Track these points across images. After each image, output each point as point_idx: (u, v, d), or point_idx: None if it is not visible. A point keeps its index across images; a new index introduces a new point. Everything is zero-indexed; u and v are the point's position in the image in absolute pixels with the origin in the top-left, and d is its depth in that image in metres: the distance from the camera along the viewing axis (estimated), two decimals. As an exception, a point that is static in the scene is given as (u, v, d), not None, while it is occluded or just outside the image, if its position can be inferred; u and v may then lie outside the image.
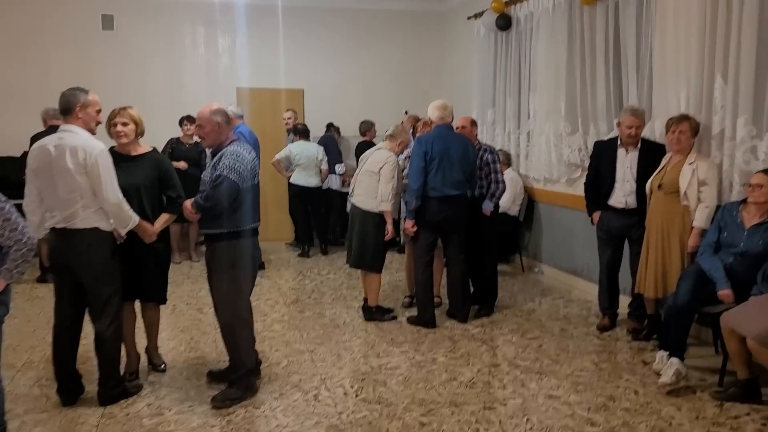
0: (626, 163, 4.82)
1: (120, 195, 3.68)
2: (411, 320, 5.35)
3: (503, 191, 5.49)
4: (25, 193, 3.75)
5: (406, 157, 5.63)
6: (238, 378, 3.89)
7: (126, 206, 3.70)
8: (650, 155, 4.74)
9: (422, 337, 4.99)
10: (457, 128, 5.45)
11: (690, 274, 3.94)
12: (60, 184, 3.60)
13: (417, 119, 8.20)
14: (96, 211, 3.65)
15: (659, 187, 4.46)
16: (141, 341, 4.36)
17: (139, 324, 4.27)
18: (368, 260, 5.37)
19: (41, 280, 6.94)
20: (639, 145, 4.80)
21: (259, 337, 5.01)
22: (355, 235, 5.40)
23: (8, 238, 3.02)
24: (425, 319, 5.24)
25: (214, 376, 4.17)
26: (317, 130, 8.87)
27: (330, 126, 9.00)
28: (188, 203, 3.83)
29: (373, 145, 6.78)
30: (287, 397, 3.91)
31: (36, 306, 6.07)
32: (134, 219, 3.75)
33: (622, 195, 4.83)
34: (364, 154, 5.61)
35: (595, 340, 4.82)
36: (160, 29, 8.91)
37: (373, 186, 5.32)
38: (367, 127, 8.82)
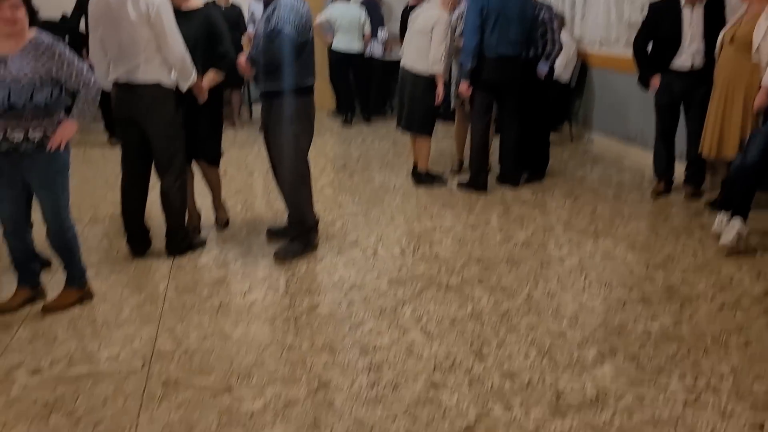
0: (692, 21, 4.59)
1: (184, 47, 3.63)
2: (462, 185, 5.37)
3: (560, 51, 5.30)
4: (89, 43, 3.73)
5: (459, 17, 5.41)
6: (299, 234, 3.99)
7: (189, 59, 3.66)
8: (717, 10, 4.51)
9: (474, 202, 5.02)
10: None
11: (761, 134, 3.83)
12: (123, 35, 3.55)
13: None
14: (158, 64, 3.62)
15: (731, 40, 4.25)
16: (199, 201, 4.47)
17: (198, 185, 4.36)
18: (418, 123, 5.32)
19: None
20: (705, 1, 4.55)
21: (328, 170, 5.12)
22: (405, 98, 5.32)
23: (75, 83, 3.02)
24: (477, 184, 5.25)
25: (273, 234, 4.29)
26: None
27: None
28: (243, 58, 3.77)
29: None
30: (346, 253, 4.02)
31: (92, 168, 6.21)
32: (194, 75, 3.73)
33: (689, 55, 4.63)
34: (413, 13, 5.40)
35: (650, 204, 4.80)
36: None
37: (425, 47, 5.16)
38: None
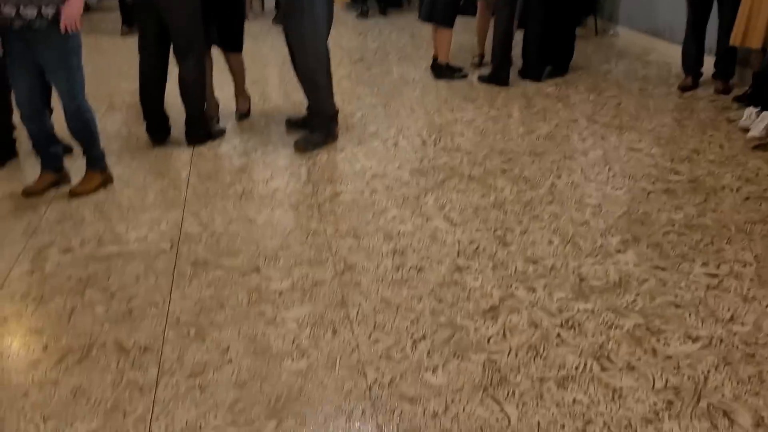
0: None
1: None
2: (483, 78, 5.25)
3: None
4: None
5: None
6: (319, 124, 3.95)
7: None
8: None
9: (495, 95, 4.92)
10: None
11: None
12: None
13: None
14: None
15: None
16: (218, 91, 4.41)
17: (217, 75, 4.29)
18: (440, 13, 5.14)
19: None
20: None
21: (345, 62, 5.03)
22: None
23: None
24: (499, 78, 5.13)
25: (291, 124, 4.25)
26: None
27: None
28: None
29: None
30: (367, 143, 3.99)
31: (104, 58, 6.11)
32: None
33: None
34: None
35: (677, 99, 4.68)
36: None
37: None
38: None
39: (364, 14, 8.01)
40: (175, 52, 3.79)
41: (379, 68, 5.74)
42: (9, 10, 2.89)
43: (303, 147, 3.88)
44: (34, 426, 1.84)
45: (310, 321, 2.27)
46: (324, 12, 3.73)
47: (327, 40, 3.84)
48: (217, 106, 4.41)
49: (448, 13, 5.16)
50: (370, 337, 2.18)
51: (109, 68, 5.71)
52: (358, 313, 2.32)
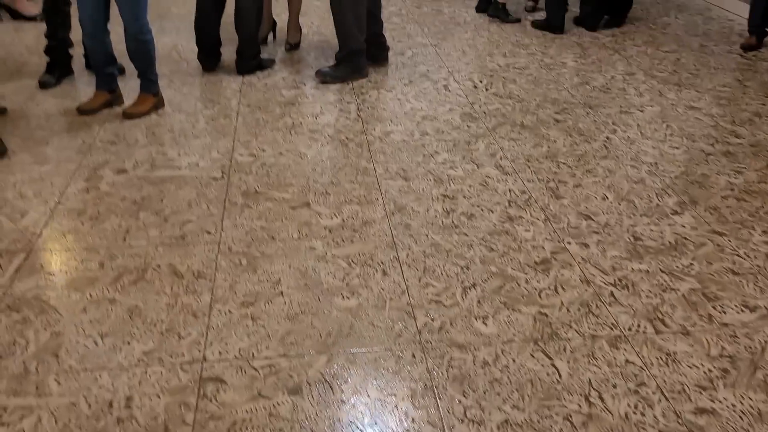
0: None
1: None
2: (536, 24, 5.08)
3: None
4: None
5: None
6: (343, 57, 3.87)
7: None
8: None
9: (549, 42, 4.77)
10: None
11: None
12: None
13: None
14: None
15: None
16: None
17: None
18: None
19: None
20: None
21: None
22: None
23: None
24: (553, 24, 4.96)
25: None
26: None
27: None
28: None
29: None
30: (417, 84, 3.91)
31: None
32: None
33: None
34: None
35: (739, 58, 4.50)
36: None
37: None
38: None
39: None
40: None
41: (429, 6, 5.59)
42: None
43: (323, 77, 3.83)
44: (92, 341, 1.89)
45: (360, 260, 2.28)
46: None
47: None
48: (274, 24, 4.40)
49: None
50: (420, 280, 2.19)
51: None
52: (407, 255, 2.32)
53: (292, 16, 4.35)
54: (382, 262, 2.28)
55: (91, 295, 2.06)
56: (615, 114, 3.58)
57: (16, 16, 4.61)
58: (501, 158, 3.06)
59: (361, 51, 3.89)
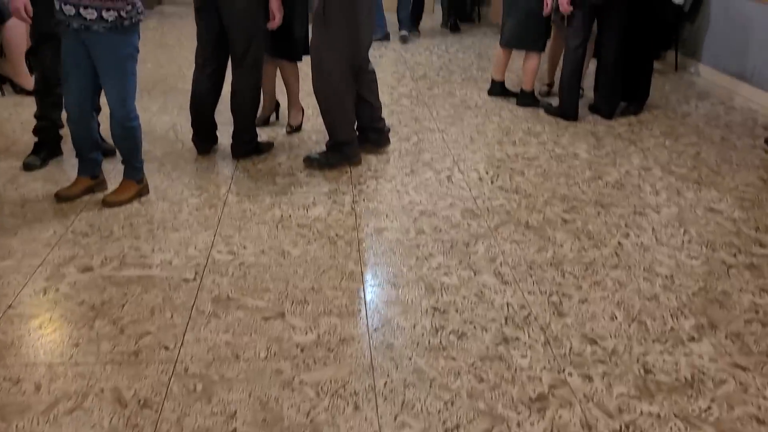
0: None
1: None
2: (549, 110, 4.92)
3: (684, -30, 4.64)
4: None
5: None
6: (332, 145, 3.72)
7: None
8: None
9: (562, 130, 4.59)
10: None
11: None
12: None
13: None
14: None
15: None
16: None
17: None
18: (532, 38, 4.86)
19: None
20: None
21: (387, 110, 4.78)
22: (514, 12, 4.84)
23: None
24: (567, 110, 4.79)
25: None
26: None
27: None
28: None
29: None
30: (419, 174, 3.72)
31: (167, 53, 6.02)
32: None
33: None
34: None
35: (763, 153, 4.26)
36: None
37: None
38: None
39: (455, 28, 7.82)
40: (232, 59, 3.60)
41: (441, 88, 5.47)
42: (69, 9, 2.76)
43: (309, 163, 3.68)
44: (11, 485, 1.63)
45: (331, 389, 2.02)
46: (344, 23, 3.44)
47: (350, 57, 3.56)
48: (277, 105, 4.32)
49: (540, 37, 4.87)
50: (395, 418, 1.91)
51: (170, 64, 5.62)
52: (385, 384, 2.05)
53: (291, 96, 4.23)
54: (355, 392, 2.01)
55: (17, 428, 1.82)
56: (628, 215, 3.33)
57: (19, 90, 4.55)
58: (501, 264, 2.81)
59: (349, 141, 3.72)
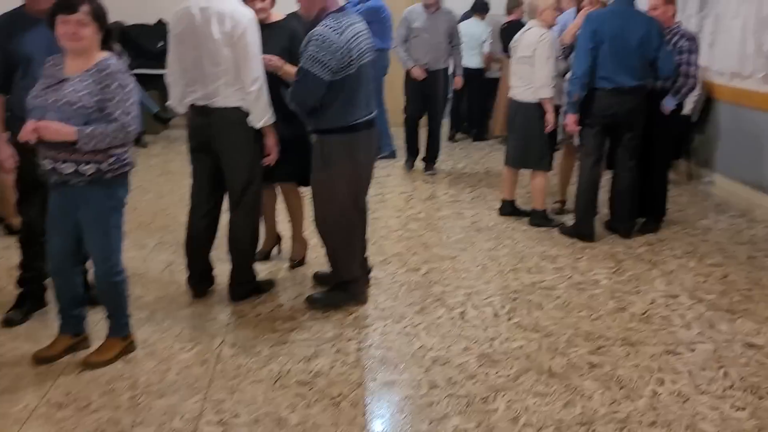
0: None
1: (263, 78, 3.21)
2: (565, 230, 4.71)
3: (692, 88, 4.56)
4: (167, 61, 3.37)
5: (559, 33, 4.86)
6: (335, 286, 3.50)
7: (266, 96, 3.23)
8: None
9: (579, 252, 4.36)
10: (647, 10, 4.51)
11: None
12: (204, 54, 3.17)
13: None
14: (239, 89, 3.22)
15: None
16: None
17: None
18: (534, 158, 4.77)
19: None
20: None
21: (395, 235, 4.62)
22: (515, 131, 4.78)
23: (114, 108, 2.59)
24: (582, 231, 4.58)
25: (319, 279, 3.79)
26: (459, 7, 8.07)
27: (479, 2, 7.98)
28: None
29: (522, 25, 5.85)
30: (430, 312, 3.47)
31: (170, 182, 5.94)
32: (271, 115, 3.27)
33: None
34: (514, 40, 4.82)
35: (796, 274, 4.00)
36: None
37: (529, 74, 4.62)
38: (513, 4, 7.82)
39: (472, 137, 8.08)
40: (230, 199, 3.46)
41: (450, 209, 5.31)
42: (46, 163, 2.63)
43: (313, 304, 3.44)
44: None
45: None
46: (346, 168, 3.30)
47: (354, 199, 3.40)
48: (276, 240, 4.14)
49: (544, 156, 4.76)
50: None
51: (172, 194, 5.51)
52: None
53: (295, 228, 4.06)
54: None
55: None
56: (660, 354, 3.04)
57: (12, 231, 4.41)
58: (525, 425, 2.50)
59: (353, 281, 3.50)
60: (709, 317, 3.42)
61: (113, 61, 2.65)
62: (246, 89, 3.17)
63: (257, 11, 3.48)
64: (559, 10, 5.03)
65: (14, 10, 3.13)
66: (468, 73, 7.57)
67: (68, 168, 2.62)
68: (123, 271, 2.85)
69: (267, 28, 3.54)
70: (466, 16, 7.88)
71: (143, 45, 7.86)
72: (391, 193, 5.73)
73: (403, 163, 6.55)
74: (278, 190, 4.00)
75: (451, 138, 8.02)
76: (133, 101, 2.65)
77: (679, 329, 3.30)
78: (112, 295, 2.85)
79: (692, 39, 4.48)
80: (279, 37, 3.52)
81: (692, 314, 3.46)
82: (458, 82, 6.43)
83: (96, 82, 2.60)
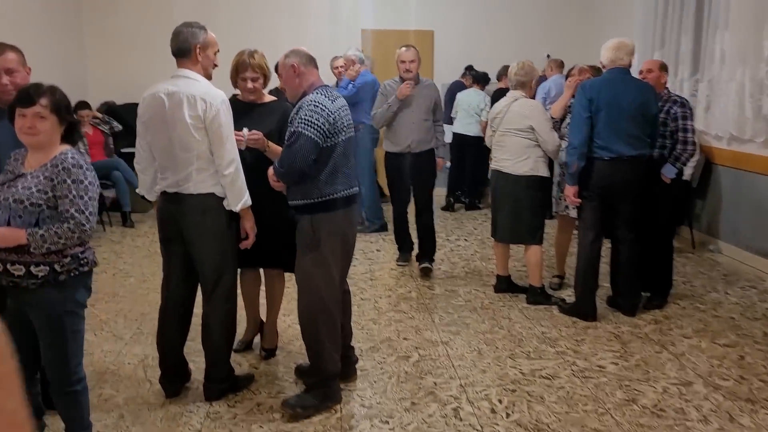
0: None
1: (238, 160, 3.03)
2: (565, 309, 4.45)
3: (691, 155, 4.38)
4: (136, 148, 3.22)
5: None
6: (315, 382, 3.19)
7: (242, 178, 3.03)
8: None
9: (581, 333, 4.09)
10: (641, 73, 4.39)
11: None
12: (174, 140, 3.00)
13: (561, 64, 7.11)
14: (212, 174, 3.03)
15: None
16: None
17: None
18: (526, 232, 4.57)
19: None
20: None
21: (385, 318, 4.36)
22: (504, 205, 4.57)
23: (68, 206, 2.38)
24: (584, 310, 4.32)
25: (301, 373, 3.50)
26: (448, 75, 8.09)
27: (468, 70, 7.98)
28: (271, 170, 3.11)
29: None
30: (421, 408, 3.18)
31: (154, 264, 5.69)
32: (247, 198, 3.07)
33: None
34: (496, 111, 4.67)
35: (818, 354, 3.71)
36: (285, -35, 8.34)
37: (519, 146, 4.46)
38: (503, 72, 7.83)
39: (449, 207, 7.91)
40: (202, 291, 3.22)
41: (443, 286, 5.06)
42: None
43: (291, 409, 3.10)
44: None
45: None
46: (329, 248, 3.08)
47: (336, 283, 3.16)
48: (257, 328, 3.89)
49: (535, 229, 4.56)
50: None
51: (154, 278, 5.25)
52: None
53: (272, 315, 3.80)
54: None
55: None
56: (677, 457, 2.73)
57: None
58: None
59: (335, 376, 3.21)
60: (727, 407, 3.13)
61: (70, 155, 2.45)
62: (221, 172, 2.99)
63: (249, 91, 3.38)
64: (542, 77, 4.96)
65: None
66: (466, 140, 7.53)
67: (19, 270, 2.39)
68: (82, 379, 2.57)
69: (259, 108, 3.45)
70: (459, 85, 7.87)
71: (133, 124, 7.79)
72: (381, 270, 5.49)
73: (396, 260, 5.62)
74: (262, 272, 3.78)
75: (447, 207, 7.86)
76: (90, 197, 2.43)
77: (696, 423, 3.00)
78: (69, 406, 2.57)
79: (685, 104, 4.34)
80: (271, 118, 3.40)
81: (709, 405, 3.16)
82: (440, 164, 5.36)
83: (48, 178, 2.39)
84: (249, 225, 3.15)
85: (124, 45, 8.24)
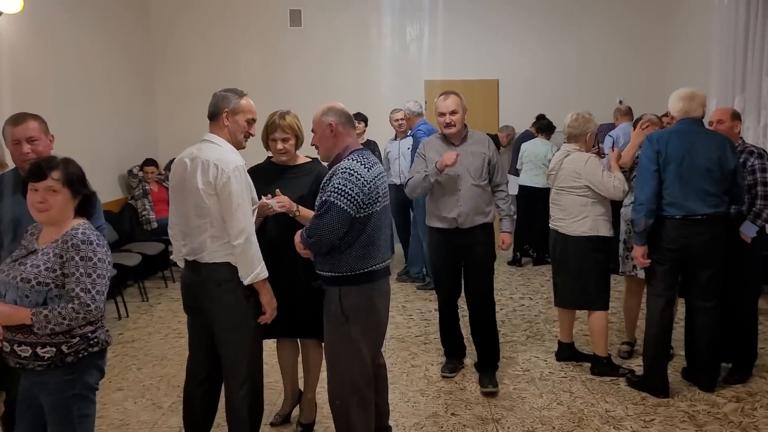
0: None
1: (252, 229, 2.89)
2: (633, 382, 4.04)
3: (775, 210, 3.94)
4: (170, 213, 3.15)
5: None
6: None
7: (255, 247, 2.89)
8: None
9: (650, 412, 3.68)
10: (710, 124, 4.03)
11: None
12: (190, 205, 2.91)
13: (630, 111, 6.72)
14: (226, 243, 2.89)
15: None
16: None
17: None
18: (590, 297, 4.20)
19: None
20: None
21: (434, 389, 4.09)
22: (563, 268, 4.26)
23: (74, 284, 2.28)
24: (654, 385, 3.90)
25: None
26: (516, 126, 7.96)
27: (540, 119, 7.71)
28: (298, 236, 2.94)
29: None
30: (462, 501, 2.87)
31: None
32: (261, 270, 2.90)
33: None
34: (551, 169, 4.37)
35: None
36: (347, 22, 8.53)
37: (575, 204, 4.14)
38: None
39: (516, 262, 7.57)
40: (222, 365, 3.07)
41: (501, 352, 4.67)
42: (5, 346, 2.35)
43: None
44: None
45: None
46: (360, 324, 2.88)
47: (369, 360, 2.94)
48: (296, 400, 3.69)
49: (600, 293, 4.20)
50: None
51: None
52: None
53: (309, 388, 3.60)
54: None
55: None
56: None
57: None
58: None
59: None
60: None
61: (81, 230, 2.38)
62: (231, 242, 2.85)
63: (280, 152, 3.28)
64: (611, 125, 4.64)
65: (7, 172, 3.00)
66: (534, 192, 7.20)
67: (25, 351, 2.32)
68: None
69: (292, 170, 3.32)
70: (528, 134, 7.62)
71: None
72: (437, 333, 5.20)
73: (441, 370, 4.34)
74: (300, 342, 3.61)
75: (514, 262, 7.52)
76: (99, 275, 2.34)
77: None
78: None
79: (762, 155, 3.93)
80: (304, 180, 3.28)
81: None
82: (506, 242, 4.12)
83: (58, 255, 2.33)
84: (265, 299, 2.97)
85: (193, 103, 8.46)
